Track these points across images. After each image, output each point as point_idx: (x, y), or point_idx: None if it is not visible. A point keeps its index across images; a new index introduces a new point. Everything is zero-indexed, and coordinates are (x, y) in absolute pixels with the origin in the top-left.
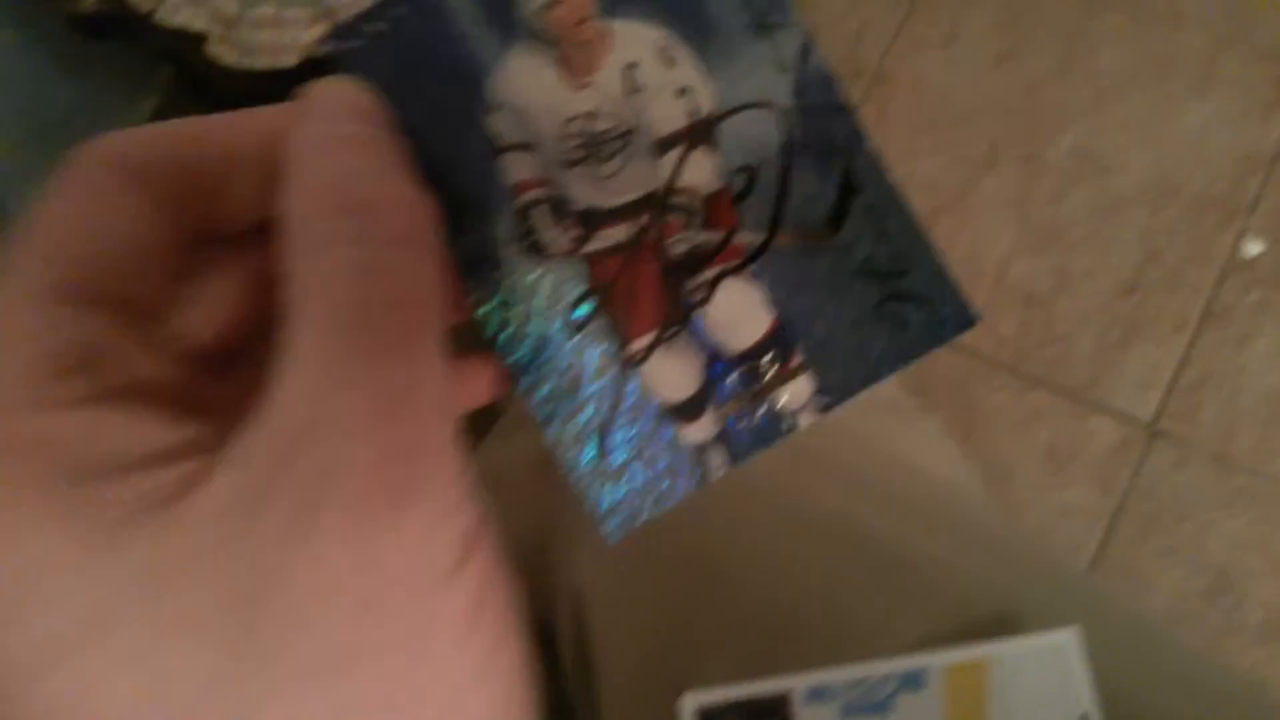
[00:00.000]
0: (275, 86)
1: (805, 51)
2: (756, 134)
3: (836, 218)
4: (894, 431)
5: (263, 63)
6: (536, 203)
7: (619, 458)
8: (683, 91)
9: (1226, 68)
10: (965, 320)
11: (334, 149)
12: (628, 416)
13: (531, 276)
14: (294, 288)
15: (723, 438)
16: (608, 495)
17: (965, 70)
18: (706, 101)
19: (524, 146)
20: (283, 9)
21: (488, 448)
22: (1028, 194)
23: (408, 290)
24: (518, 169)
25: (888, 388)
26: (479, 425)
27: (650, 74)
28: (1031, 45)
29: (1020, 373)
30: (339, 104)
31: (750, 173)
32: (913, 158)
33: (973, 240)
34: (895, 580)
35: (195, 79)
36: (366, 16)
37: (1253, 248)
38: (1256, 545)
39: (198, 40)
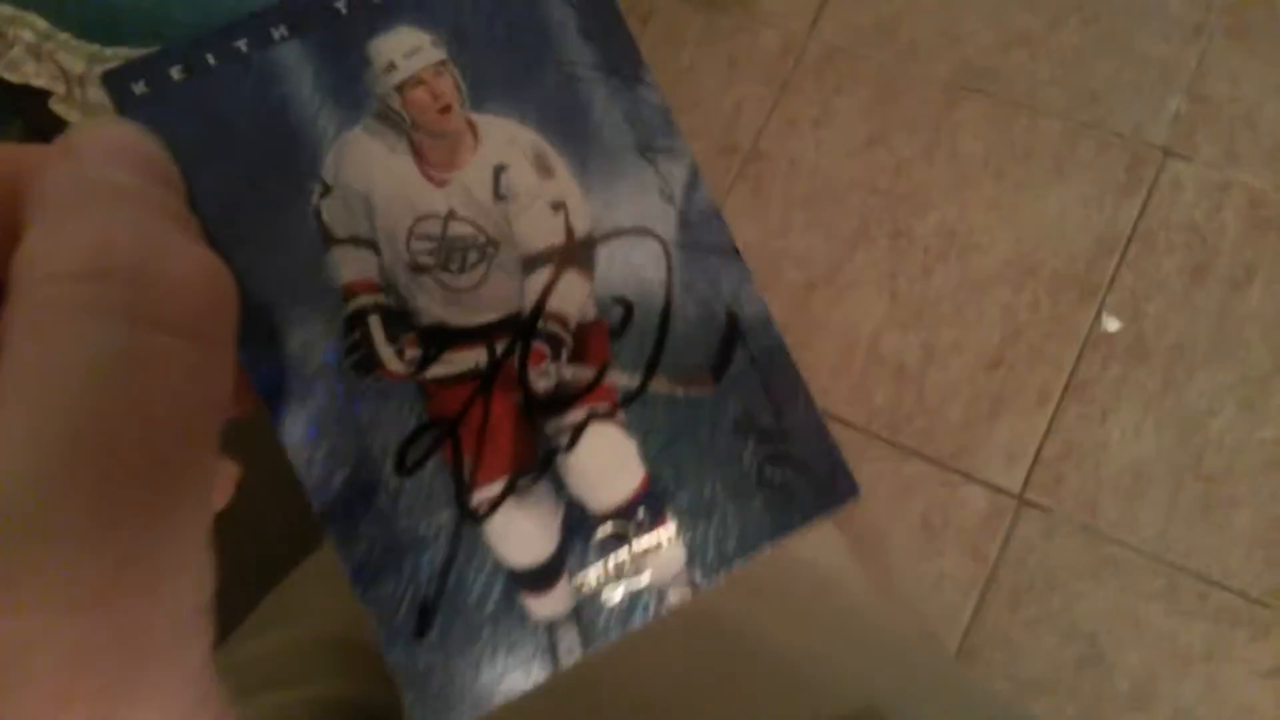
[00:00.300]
0: None
1: (692, 183)
2: (637, 264)
3: (720, 366)
4: None
5: None
6: (371, 310)
7: (451, 637)
8: (558, 205)
9: (1083, 153)
10: (849, 491)
11: (96, 197)
12: (465, 584)
13: (356, 399)
14: (2, 376)
15: (578, 615)
16: (431, 685)
17: (836, 150)
18: (583, 220)
19: (363, 242)
20: None
21: None
22: (897, 270)
23: (176, 397)
24: (352, 267)
25: None
26: None
27: (522, 180)
28: (898, 128)
29: (894, 443)
30: (108, 146)
31: (627, 306)
32: (788, 233)
33: (846, 314)
34: (769, 675)
35: (45, 135)
36: (161, 57)
37: (1111, 325)
38: (1124, 614)
39: (41, 96)
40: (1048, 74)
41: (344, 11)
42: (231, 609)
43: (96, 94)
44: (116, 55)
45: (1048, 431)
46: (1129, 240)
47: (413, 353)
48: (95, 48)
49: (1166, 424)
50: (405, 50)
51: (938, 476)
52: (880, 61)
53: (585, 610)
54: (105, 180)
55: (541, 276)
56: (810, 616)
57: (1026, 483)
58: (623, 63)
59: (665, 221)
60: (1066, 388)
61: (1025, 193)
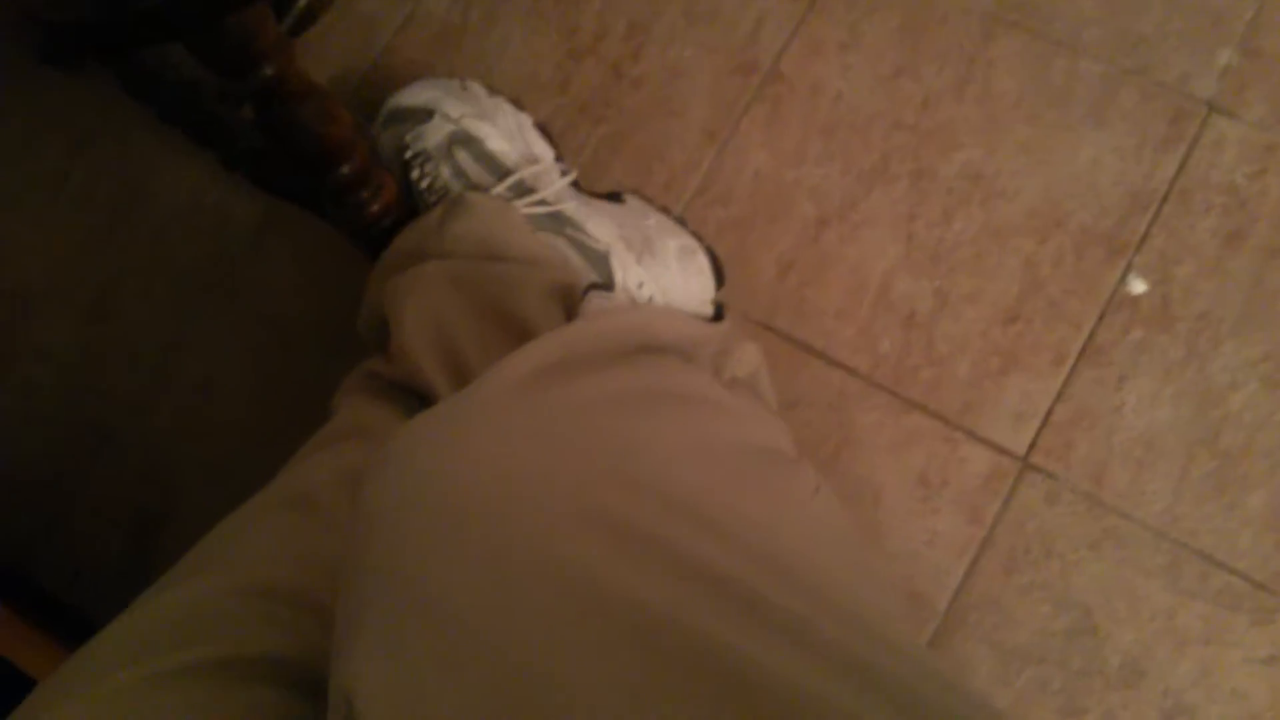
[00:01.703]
0: None
1: None
2: None
3: None
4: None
5: None
6: None
7: None
8: None
9: (1124, 101)
10: None
11: None
12: None
13: None
14: None
15: None
16: None
17: (861, 78)
18: None
19: None
20: None
21: (294, 469)
22: (916, 211)
23: None
24: None
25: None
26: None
27: None
28: (929, 60)
29: (897, 394)
30: None
31: None
32: (803, 163)
33: (858, 254)
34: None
35: None
36: None
37: (1137, 286)
38: (1121, 589)
39: None
40: (1093, 13)
41: None
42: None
43: None
44: None
45: (1060, 394)
46: (1164, 198)
47: None
48: None
49: (1185, 395)
50: None
51: (940, 432)
52: None
53: None
54: None
55: None
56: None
57: (1033, 445)
58: None
59: None
60: (1084, 349)
61: (1059, 139)
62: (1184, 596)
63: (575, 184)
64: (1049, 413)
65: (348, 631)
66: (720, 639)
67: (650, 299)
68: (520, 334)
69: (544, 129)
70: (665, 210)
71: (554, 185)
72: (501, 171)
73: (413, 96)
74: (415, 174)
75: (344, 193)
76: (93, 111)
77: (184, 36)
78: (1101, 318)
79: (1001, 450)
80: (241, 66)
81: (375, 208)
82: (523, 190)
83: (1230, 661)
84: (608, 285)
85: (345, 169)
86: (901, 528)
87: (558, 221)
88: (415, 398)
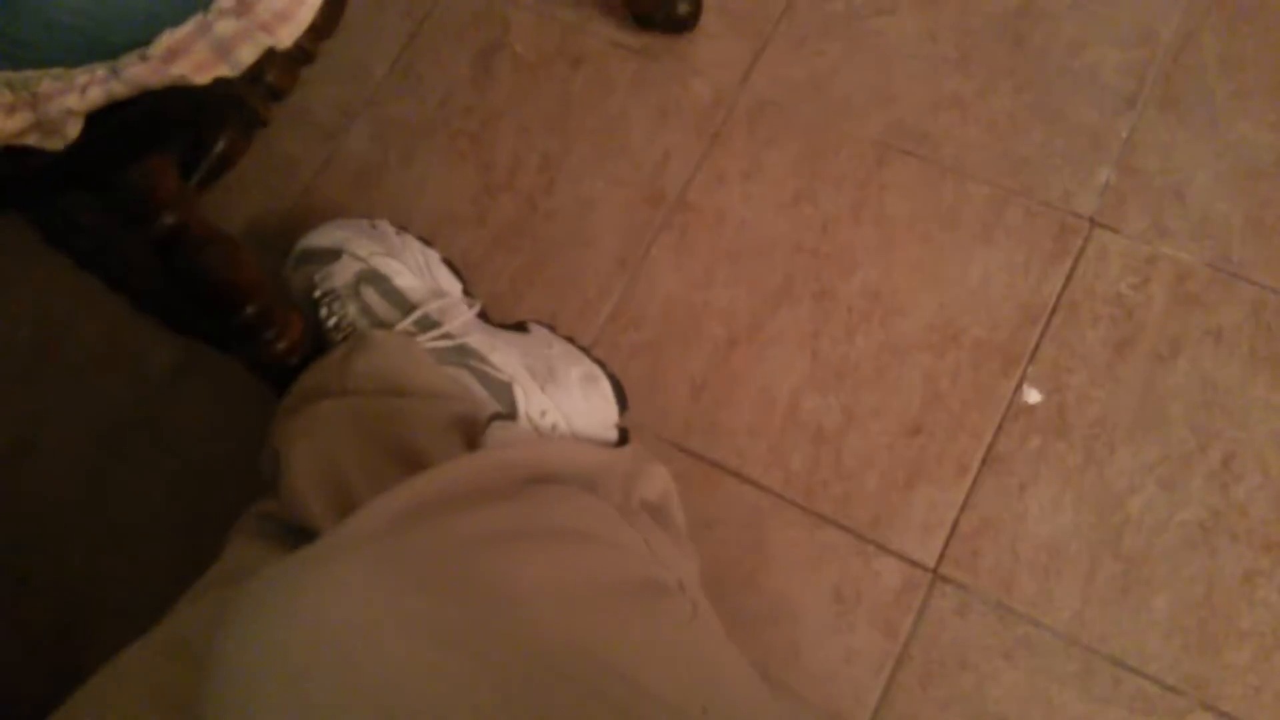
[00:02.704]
0: None
1: None
2: None
3: None
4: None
5: None
6: None
7: None
8: None
9: (1010, 219)
10: None
11: None
12: None
13: None
14: None
15: None
16: None
17: (764, 205)
18: None
19: None
20: None
21: (175, 616)
22: (820, 330)
23: None
24: None
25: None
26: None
27: None
28: (827, 186)
29: (809, 509)
30: None
31: None
32: (710, 287)
33: (766, 372)
34: None
35: None
36: None
37: (1032, 396)
38: (1036, 698)
39: None
40: (978, 138)
41: None
42: None
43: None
44: (47, 76)
45: (964, 504)
46: (1053, 310)
47: None
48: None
49: (1086, 500)
50: None
51: (853, 546)
52: (812, 116)
53: None
54: None
55: None
56: None
57: (942, 556)
58: None
59: None
60: (985, 459)
61: (951, 257)
62: (1098, 703)
63: (483, 315)
64: (955, 523)
65: None
66: None
67: (554, 426)
68: (418, 469)
69: (451, 264)
70: (569, 339)
71: (460, 318)
72: (408, 307)
73: (322, 237)
74: (324, 312)
75: (248, 333)
76: (10, 256)
77: (86, 187)
78: (1000, 428)
79: (912, 562)
80: (143, 215)
81: (281, 346)
82: (429, 324)
83: None
84: (511, 415)
85: (249, 310)
86: (820, 646)
87: (462, 354)
88: (308, 539)
